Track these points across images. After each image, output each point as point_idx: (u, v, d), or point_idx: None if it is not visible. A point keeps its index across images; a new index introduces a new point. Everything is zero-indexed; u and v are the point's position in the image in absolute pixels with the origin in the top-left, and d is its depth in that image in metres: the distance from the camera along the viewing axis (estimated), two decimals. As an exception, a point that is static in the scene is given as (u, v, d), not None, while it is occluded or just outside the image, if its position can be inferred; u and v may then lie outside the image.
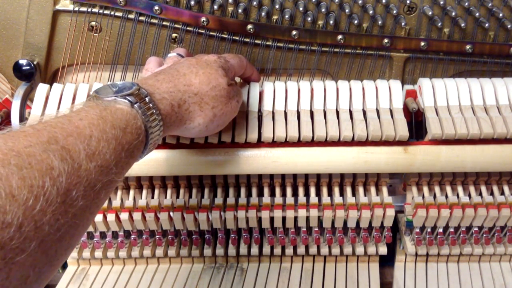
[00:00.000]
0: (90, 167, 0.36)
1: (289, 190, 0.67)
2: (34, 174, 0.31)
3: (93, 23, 0.67)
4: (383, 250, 0.69)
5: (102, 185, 0.37)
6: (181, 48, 0.62)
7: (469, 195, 0.67)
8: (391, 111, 0.62)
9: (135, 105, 0.42)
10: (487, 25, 0.66)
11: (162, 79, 0.49)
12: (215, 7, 0.65)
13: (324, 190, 0.67)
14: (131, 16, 0.66)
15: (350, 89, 0.63)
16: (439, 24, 0.66)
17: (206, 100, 0.51)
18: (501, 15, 0.66)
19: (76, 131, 0.36)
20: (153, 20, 0.66)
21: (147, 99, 0.44)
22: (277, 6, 0.65)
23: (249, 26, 0.66)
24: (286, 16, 0.65)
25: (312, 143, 0.60)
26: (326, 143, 0.60)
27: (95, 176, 0.36)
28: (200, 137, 0.58)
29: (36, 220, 0.31)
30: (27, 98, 0.66)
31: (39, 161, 0.32)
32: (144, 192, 0.67)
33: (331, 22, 0.65)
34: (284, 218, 0.65)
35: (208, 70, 0.52)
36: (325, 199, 0.65)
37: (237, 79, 0.64)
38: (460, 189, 0.67)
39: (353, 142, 0.60)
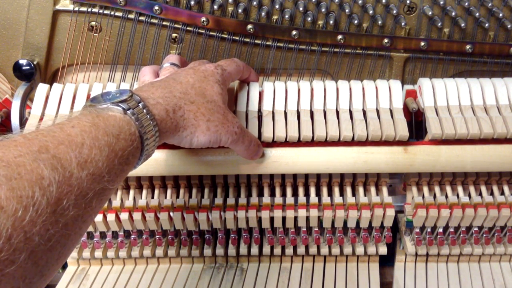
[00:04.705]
0: (82, 175, 0.35)
1: (289, 190, 0.67)
2: (24, 184, 0.31)
3: (93, 23, 0.67)
4: (383, 250, 0.69)
5: (94, 193, 0.37)
6: (174, 55, 0.62)
7: (469, 195, 0.67)
8: (391, 111, 0.62)
9: (128, 111, 0.42)
10: (487, 25, 0.66)
11: (158, 86, 0.49)
12: (215, 7, 0.65)
13: (324, 190, 0.67)
14: (131, 16, 0.66)
15: (350, 89, 0.63)
16: (439, 24, 0.66)
17: (202, 110, 0.50)
18: (501, 15, 0.66)
19: (68, 139, 0.36)
20: (153, 20, 0.66)
21: (140, 104, 0.43)
22: (277, 6, 0.65)
23: (249, 26, 0.66)
24: (286, 16, 0.65)
25: (312, 143, 0.60)
26: (326, 143, 0.60)
27: (87, 185, 0.36)
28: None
29: (25, 231, 0.30)
30: (27, 98, 0.66)
31: (28, 171, 0.32)
32: (144, 192, 0.67)
33: (331, 22, 0.65)
34: (284, 218, 0.65)
35: (204, 85, 0.52)
36: (325, 199, 0.65)
37: (236, 83, 0.64)
38: (460, 189, 0.67)
39: (353, 142, 0.60)
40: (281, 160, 0.60)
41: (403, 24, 0.66)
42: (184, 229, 0.67)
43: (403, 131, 0.59)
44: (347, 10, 0.65)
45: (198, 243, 0.69)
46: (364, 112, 0.62)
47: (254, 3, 0.65)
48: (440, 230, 0.67)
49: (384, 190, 0.67)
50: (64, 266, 0.73)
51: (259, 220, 0.65)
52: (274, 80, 0.69)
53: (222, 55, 0.68)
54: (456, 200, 0.64)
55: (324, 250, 0.70)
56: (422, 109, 0.63)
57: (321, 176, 0.66)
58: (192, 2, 0.64)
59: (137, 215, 0.63)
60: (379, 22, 0.66)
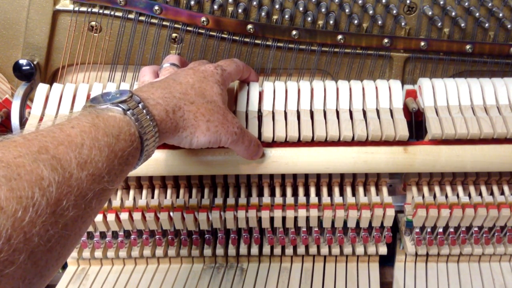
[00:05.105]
0: (82, 176, 0.35)
1: (289, 190, 0.67)
2: (23, 185, 0.31)
3: (93, 23, 0.67)
4: (383, 250, 0.69)
5: (94, 194, 0.37)
6: (174, 55, 0.62)
7: (469, 195, 0.67)
8: (391, 111, 0.62)
9: (128, 112, 0.42)
10: (487, 25, 0.66)
11: (158, 86, 0.49)
12: (215, 7, 0.65)
13: (324, 190, 0.67)
14: (131, 16, 0.66)
15: (350, 89, 0.63)
16: (439, 24, 0.66)
17: (202, 111, 0.50)
18: (501, 15, 0.66)
19: (67, 140, 0.36)
20: (153, 20, 0.66)
21: (140, 105, 0.43)
22: (277, 6, 0.65)
23: (249, 26, 0.66)
24: (286, 16, 0.65)
25: (312, 143, 0.60)
26: (326, 143, 0.60)
27: (86, 185, 0.36)
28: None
29: (25, 231, 0.30)
30: (27, 98, 0.66)
31: (28, 171, 0.32)
32: (144, 192, 0.67)
33: (331, 22, 0.65)
34: (284, 218, 0.65)
35: (203, 85, 0.52)
36: (325, 199, 0.65)
37: (236, 83, 0.64)
38: (460, 189, 0.67)
39: (353, 142, 0.60)
40: (281, 160, 0.60)
41: (403, 24, 0.66)
42: (184, 229, 0.67)
43: (403, 131, 0.59)
44: (347, 10, 0.65)
45: (198, 243, 0.69)
46: (364, 112, 0.62)
47: (254, 3, 0.65)
48: (440, 230, 0.67)
49: (384, 190, 0.67)
50: (64, 266, 0.73)
51: (259, 220, 0.65)
52: (274, 80, 0.69)
53: (222, 55, 0.68)
54: (456, 200, 0.64)
55: (324, 250, 0.70)
56: (422, 109, 0.63)
57: (321, 176, 0.66)
58: (192, 2, 0.64)
59: (137, 215, 0.63)
60: (379, 22, 0.66)
